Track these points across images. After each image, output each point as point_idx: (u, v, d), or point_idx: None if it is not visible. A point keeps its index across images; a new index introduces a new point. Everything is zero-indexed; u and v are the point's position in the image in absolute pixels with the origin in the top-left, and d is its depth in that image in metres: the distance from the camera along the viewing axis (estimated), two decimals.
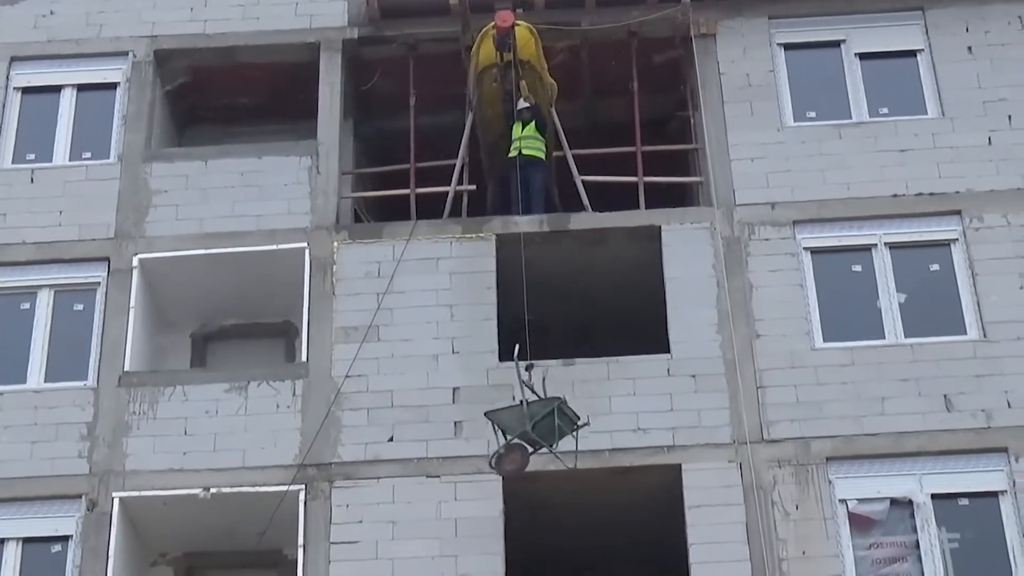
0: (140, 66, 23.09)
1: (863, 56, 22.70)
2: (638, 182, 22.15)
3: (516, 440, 18.44)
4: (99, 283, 21.57)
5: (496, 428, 18.65)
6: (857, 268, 21.15)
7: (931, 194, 21.42)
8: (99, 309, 21.41)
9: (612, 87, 23.41)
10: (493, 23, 21.91)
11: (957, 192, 21.38)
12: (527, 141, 22.22)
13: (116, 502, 20.03)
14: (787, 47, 22.83)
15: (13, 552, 20.01)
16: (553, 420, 18.35)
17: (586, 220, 21.58)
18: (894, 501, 19.52)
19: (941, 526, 19.38)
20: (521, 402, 18.48)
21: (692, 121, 22.87)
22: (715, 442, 19.90)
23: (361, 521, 19.70)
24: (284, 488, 19.90)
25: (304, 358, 20.91)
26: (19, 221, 21.91)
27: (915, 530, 19.36)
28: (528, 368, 18.69)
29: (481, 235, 21.44)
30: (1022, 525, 19.21)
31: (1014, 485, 19.42)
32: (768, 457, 19.75)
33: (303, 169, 22.15)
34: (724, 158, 21.88)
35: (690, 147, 22.88)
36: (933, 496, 19.50)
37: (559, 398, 18.55)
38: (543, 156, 22.33)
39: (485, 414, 18.82)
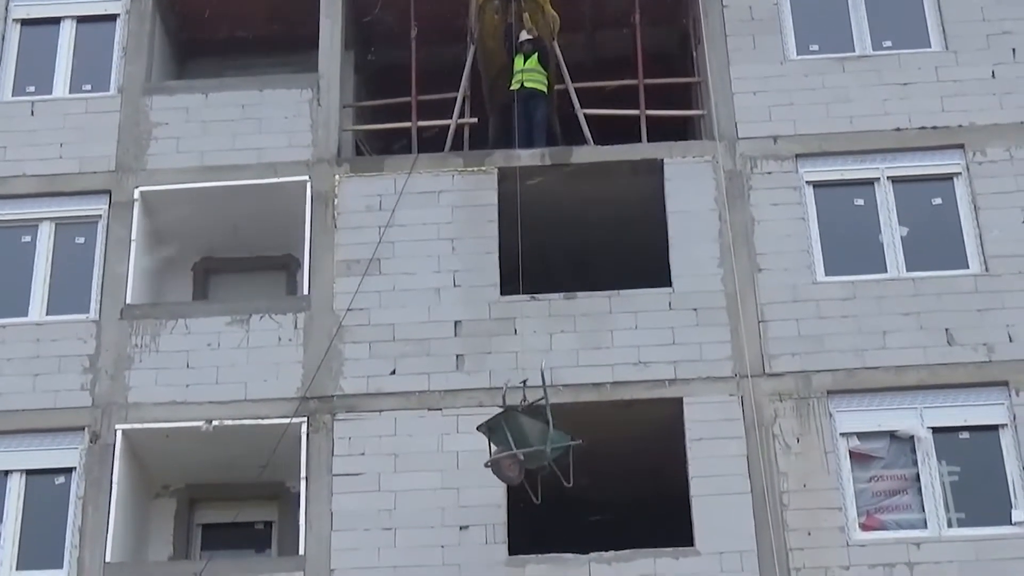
0: None
1: None
2: (640, 115, 22.06)
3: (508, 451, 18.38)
4: (100, 216, 21.54)
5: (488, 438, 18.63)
6: (859, 202, 21.12)
7: (934, 128, 21.36)
8: (100, 242, 21.40)
9: (614, 19, 23.29)
10: None
11: (960, 126, 21.32)
12: (529, 74, 22.15)
13: (119, 434, 20.10)
14: None
15: (17, 484, 20.10)
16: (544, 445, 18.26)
17: (588, 153, 21.52)
18: (894, 435, 19.58)
19: (941, 459, 19.46)
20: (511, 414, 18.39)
21: (695, 54, 22.75)
22: (716, 376, 19.94)
23: (363, 454, 19.77)
24: (286, 421, 19.95)
25: (306, 291, 20.93)
26: (20, 154, 21.86)
27: (915, 463, 19.45)
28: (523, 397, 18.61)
29: (483, 168, 21.38)
30: (1022, 459, 19.28)
31: (1014, 419, 19.48)
32: (769, 391, 19.80)
33: (304, 102, 22.06)
34: (727, 91, 21.79)
35: (693, 80, 22.79)
36: (933, 430, 19.57)
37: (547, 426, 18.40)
38: (545, 89, 22.27)
39: (478, 428, 18.73)
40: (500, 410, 18.58)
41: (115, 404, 20.24)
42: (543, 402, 18.38)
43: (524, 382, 18.58)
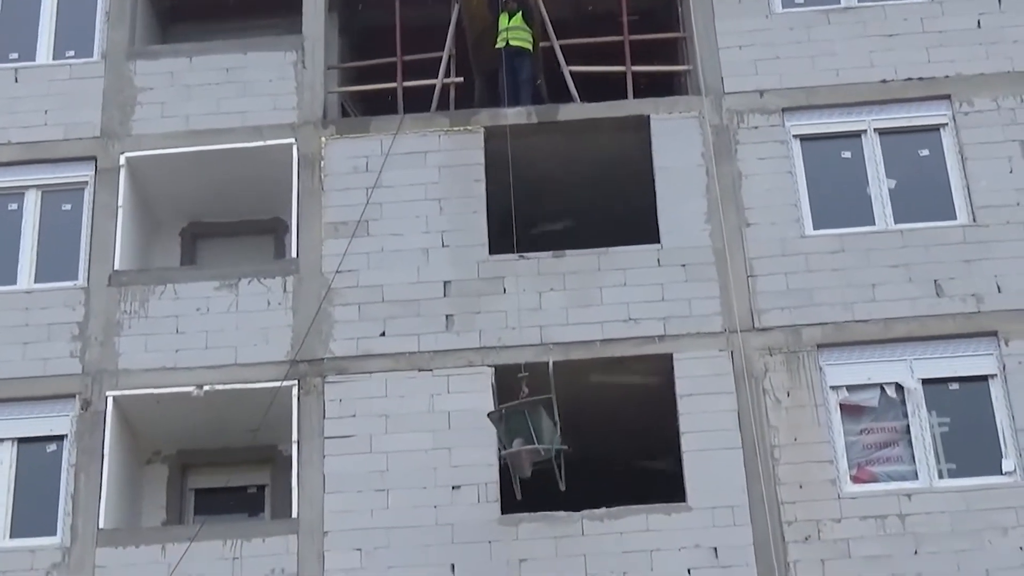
0: None
1: None
2: (626, 71, 21.99)
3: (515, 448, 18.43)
4: (87, 182, 21.49)
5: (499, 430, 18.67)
6: (846, 155, 21.09)
7: (920, 79, 21.31)
8: (87, 208, 21.37)
9: None
10: None
11: (946, 76, 21.27)
12: (514, 32, 22.07)
13: (109, 401, 20.11)
14: None
15: (8, 452, 20.12)
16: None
17: (574, 111, 21.46)
18: (884, 387, 19.61)
19: (931, 411, 19.50)
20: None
21: (680, 9, 22.66)
22: (706, 331, 19.96)
23: (354, 415, 19.79)
24: (277, 384, 19.96)
25: (294, 254, 20.90)
26: (4, 121, 21.82)
27: (906, 415, 19.48)
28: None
29: (469, 128, 21.34)
30: (1011, 409, 19.31)
31: (1004, 369, 19.51)
32: (759, 345, 19.81)
33: (288, 64, 21.99)
34: (712, 46, 21.73)
35: (677, 35, 22.70)
36: (923, 381, 19.61)
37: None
38: (530, 47, 22.19)
39: (491, 415, 18.74)
40: (515, 400, 18.52)
41: (105, 371, 20.24)
42: (549, 398, 18.40)
43: (523, 367, 18.49)
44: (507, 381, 19.52)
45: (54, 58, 22.44)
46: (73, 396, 20.18)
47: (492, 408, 19.29)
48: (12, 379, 20.27)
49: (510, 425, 18.42)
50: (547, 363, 19.41)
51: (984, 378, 19.60)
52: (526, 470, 18.48)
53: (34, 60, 22.39)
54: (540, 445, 18.24)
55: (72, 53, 22.45)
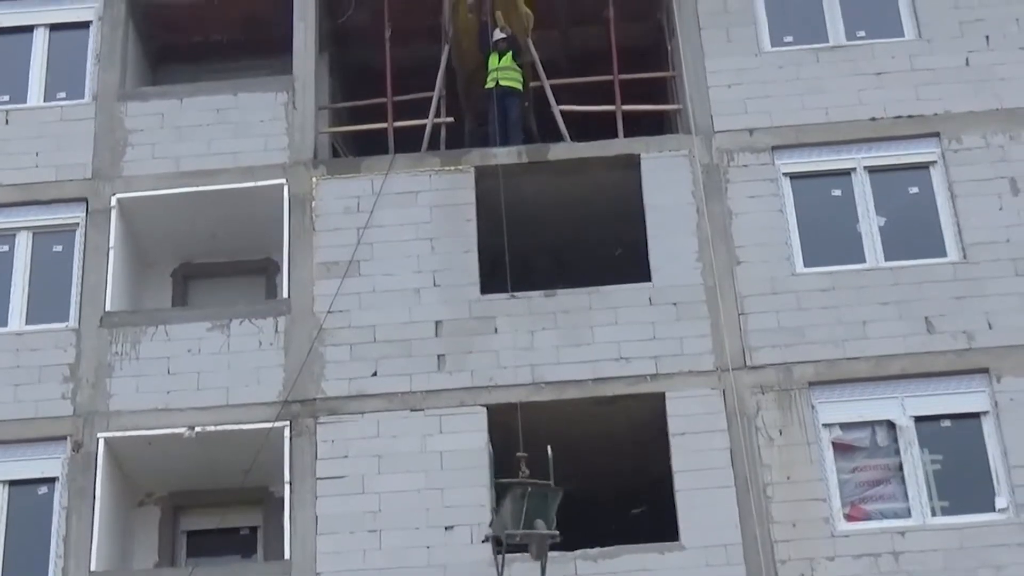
0: (112, 3, 22.92)
1: None
2: (616, 111, 22.06)
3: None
4: (78, 224, 21.51)
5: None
6: (836, 192, 21.15)
7: (909, 116, 21.38)
8: (78, 250, 21.37)
9: (588, 15, 23.29)
10: None
11: (935, 114, 21.35)
12: (504, 72, 22.14)
13: (101, 443, 20.07)
14: None
15: (0, 494, 20.03)
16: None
17: (565, 150, 21.52)
18: (877, 424, 19.61)
19: (924, 448, 19.49)
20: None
21: (669, 48, 22.75)
22: (698, 369, 19.96)
23: (347, 456, 19.76)
24: (269, 425, 19.93)
25: (286, 294, 20.90)
26: None
27: (898, 452, 19.48)
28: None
29: (460, 167, 21.37)
30: (1004, 446, 19.31)
31: (996, 406, 19.51)
32: (751, 383, 19.82)
33: (279, 105, 22.04)
34: (701, 85, 21.80)
35: (667, 74, 22.79)
36: (916, 418, 19.61)
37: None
38: (520, 87, 22.28)
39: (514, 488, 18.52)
40: (525, 482, 18.41)
41: (97, 413, 20.21)
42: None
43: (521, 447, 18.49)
44: (499, 420, 19.54)
45: (45, 100, 22.48)
46: (64, 438, 20.14)
47: (485, 448, 19.30)
48: (3, 421, 20.23)
49: (530, 504, 18.29)
50: (540, 402, 19.42)
51: (976, 415, 19.61)
52: (541, 555, 18.27)
53: (25, 102, 22.43)
54: (551, 531, 18.05)
55: (63, 95, 22.49)
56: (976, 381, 19.74)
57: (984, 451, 19.41)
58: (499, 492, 18.84)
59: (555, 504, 18.00)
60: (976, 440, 19.49)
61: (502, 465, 19.46)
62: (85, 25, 22.94)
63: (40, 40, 22.93)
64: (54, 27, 23.03)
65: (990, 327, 19.93)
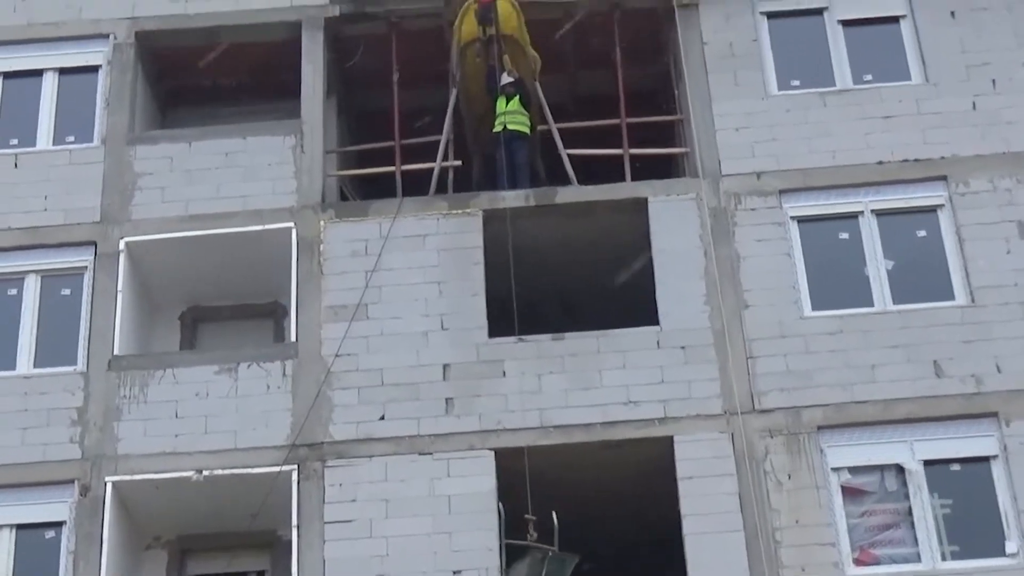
0: (121, 48, 23.00)
1: (846, 23, 22.66)
2: (623, 154, 22.11)
3: None
4: (86, 267, 21.52)
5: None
6: (844, 236, 21.16)
7: (916, 160, 21.42)
8: (87, 293, 21.37)
9: (595, 59, 23.36)
10: None
11: (942, 157, 21.38)
12: (511, 116, 22.19)
13: (109, 487, 20.02)
14: (770, 15, 22.78)
15: (7, 539, 20.01)
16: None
17: (572, 194, 21.56)
18: (886, 468, 19.57)
19: (933, 492, 19.43)
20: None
21: (676, 92, 22.81)
22: (706, 413, 19.92)
23: (354, 500, 19.72)
24: (277, 469, 19.90)
25: (293, 338, 20.90)
26: (4, 207, 21.85)
27: (907, 497, 19.42)
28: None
29: (468, 211, 21.41)
30: (1014, 490, 19.25)
31: (1005, 450, 19.48)
32: (759, 427, 19.79)
33: (287, 148, 22.10)
34: (709, 128, 21.85)
35: (675, 118, 22.84)
36: (925, 462, 19.56)
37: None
38: (528, 130, 22.31)
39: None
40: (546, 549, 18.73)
41: (104, 456, 20.18)
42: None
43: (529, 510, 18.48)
44: (507, 464, 19.51)
45: (54, 143, 22.54)
46: (72, 482, 20.10)
47: (492, 492, 19.28)
48: (11, 465, 20.18)
49: (549, 568, 18.34)
50: (548, 446, 19.43)
51: (986, 459, 19.56)
52: None
53: (34, 146, 22.49)
54: None
55: (72, 138, 22.56)
56: (985, 425, 19.70)
57: (994, 495, 19.35)
58: (510, 552, 18.84)
59: (571, 569, 18.09)
60: (986, 484, 19.43)
61: (510, 509, 19.44)
62: (94, 69, 23.02)
63: (49, 84, 23.00)
64: (63, 71, 23.10)
65: (999, 371, 19.90)
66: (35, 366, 21.03)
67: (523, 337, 20.48)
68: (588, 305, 22.18)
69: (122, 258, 21.46)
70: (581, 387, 20.12)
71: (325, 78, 22.71)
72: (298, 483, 19.88)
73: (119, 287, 21.26)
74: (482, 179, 22.92)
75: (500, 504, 19.30)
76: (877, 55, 22.35)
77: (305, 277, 21.14)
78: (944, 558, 19.08)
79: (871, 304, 20.61)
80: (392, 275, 21.03)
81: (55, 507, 20.05)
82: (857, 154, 21.46)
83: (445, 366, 20.42)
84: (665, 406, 19.98)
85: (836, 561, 19.00)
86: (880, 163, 21.42)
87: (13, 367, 21.02)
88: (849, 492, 19.48)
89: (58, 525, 20.02)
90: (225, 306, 22.42)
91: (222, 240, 21.58)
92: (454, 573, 19.17)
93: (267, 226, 21.54)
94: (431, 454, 19.89)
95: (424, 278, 21.00)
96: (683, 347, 20.33)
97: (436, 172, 21.97)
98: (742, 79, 22.13)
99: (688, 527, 19.27)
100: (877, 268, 20.84)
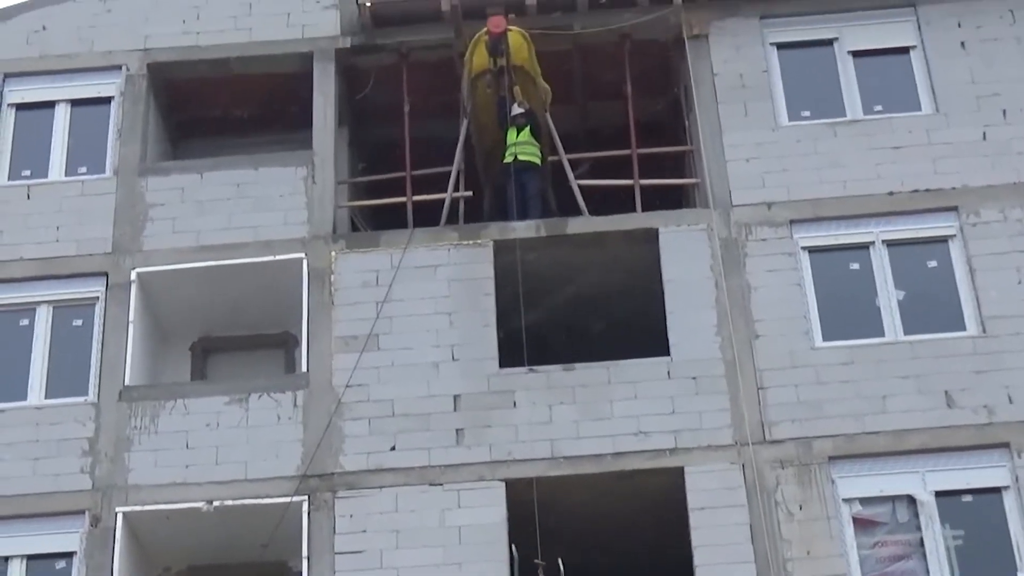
0: (134, 79, 23.11)
1: (856, 54, 22.69)
2: (634, 185, 22.14)
3: None
4: (98, 298, 21.57)
5: None
6: (855, 266, 21.16)
7: (927, 190, 21.42)
8: (98, 324, 21.41)
9: (606, 90, 23.41)
10: (486, 29, 21.93)
11: (953, 188, 21.39)
12: (522, 147, 22.23)
13: (119, 517, 20.02)
14: (780, 46, 22.83)
15: (18, 569, 20.01)
16: None
17: (583, 224, 21.58)
18: (897, 499, 19.51)
19: (945, 523, 19.37)
20: None
21: (687, 122, 22.85)
22: (717, 444, 19.90)
23: (365, 531, 19.69)
24: (287, 499, 19.90)
25: (304, 368, 20.91)
26: (16, 238, 21.93)
27: (919, 528, 19.35)
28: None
29: (478, 241, 21.45)
30: None
31: (1017, 480, 19.42)
32: (770, 458, 19.75)
33: (299, 179, 22.16)
34: (719, 159, 21.88)
35: (685, 148, 22.88)
36: (936, 493, 19.49)
37: None
38: (538, 161, 22.36)
39: None
40: None
41: (115, 487, 20.19)
42: None
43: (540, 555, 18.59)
44: (518, 495, 19.48)
45: (66, 175, 22.62)
46: (83, 512, 20.10)
47: (503, 523, 19.27)
48: (22, 495, 20.20)
49: None
50: (559, 476, 19.41)
51: (997, 490, 19.50)
52: None
53: (47, 177, 22.57)
54: None
55: (84, 169, 22.64)
56: (997, 456, 19.65)
57: (1006, 526, 19.27)
58: None
59: None
60: (998, 515, 19.36)
61: (520, 541, 19.41)
62: (107, 100, 23.12)
63: (62, 115, 23.10)
64: (76, 103, 23.20)
65: (1010, 401, 19.86)
66: (46, 397, 21.07)
67: (534, 368, 20.48)
68: (599, 336, 22.18)
69: (133, 289, 21.51)
70: (592, 418, 20.11)
71: (336, 109, 22.79)
72: (308, 514, 19.86)
73: (130, 318, 21.30)
74: (493, 210, 22.94)
75: (512, 546, 19.23)
76: (887, 86, 22.38)
77: (316, 308, 21.16)
78: None
79: (882, 334, 20.58)
80: (403, 306, 21.05)
81: (66, 537, 20.05)
82: (868, 184, 21.47)
83: (456, 397, 20.42)
84: (676, 437, 19.97)
85: None
86: (891, 194, 21.42)
87: (25, 398, 21.06)
88: (860, 523, 19.43)
89: (69, 555, 20.01)
90: (236, 336, 22.45)
91: (233, 271, 21.62)
92: None
93: (278, 257, 21.58)
94: (441, 485, 19.87)
95: (435, 309, 21.02)
96: (694, 377, 20.31)
97: (447, 203, 22.00)
98: (752, 110, 22.17)
99: (699, 558, 19.22)
100: (888, 298, 20.82)
